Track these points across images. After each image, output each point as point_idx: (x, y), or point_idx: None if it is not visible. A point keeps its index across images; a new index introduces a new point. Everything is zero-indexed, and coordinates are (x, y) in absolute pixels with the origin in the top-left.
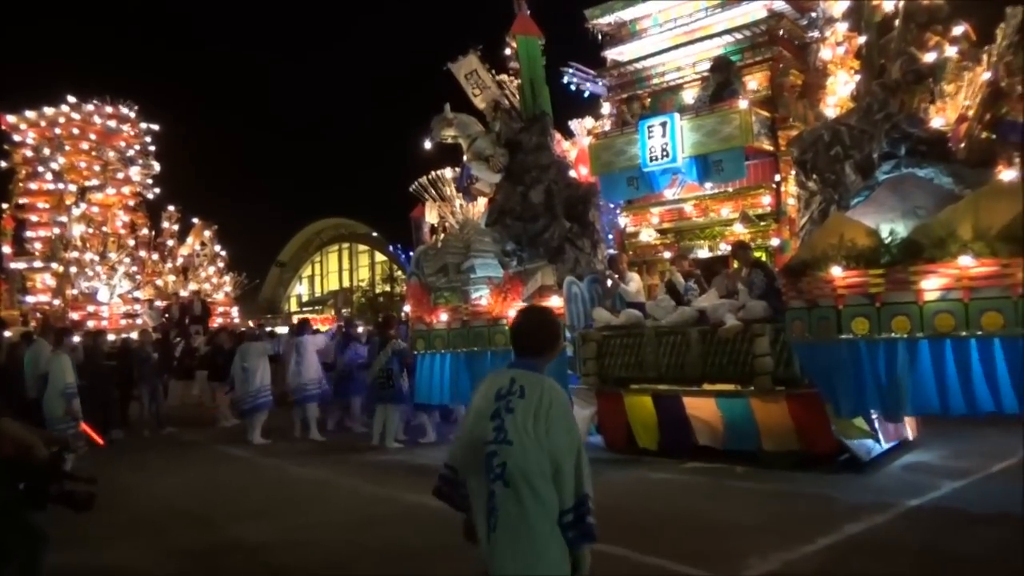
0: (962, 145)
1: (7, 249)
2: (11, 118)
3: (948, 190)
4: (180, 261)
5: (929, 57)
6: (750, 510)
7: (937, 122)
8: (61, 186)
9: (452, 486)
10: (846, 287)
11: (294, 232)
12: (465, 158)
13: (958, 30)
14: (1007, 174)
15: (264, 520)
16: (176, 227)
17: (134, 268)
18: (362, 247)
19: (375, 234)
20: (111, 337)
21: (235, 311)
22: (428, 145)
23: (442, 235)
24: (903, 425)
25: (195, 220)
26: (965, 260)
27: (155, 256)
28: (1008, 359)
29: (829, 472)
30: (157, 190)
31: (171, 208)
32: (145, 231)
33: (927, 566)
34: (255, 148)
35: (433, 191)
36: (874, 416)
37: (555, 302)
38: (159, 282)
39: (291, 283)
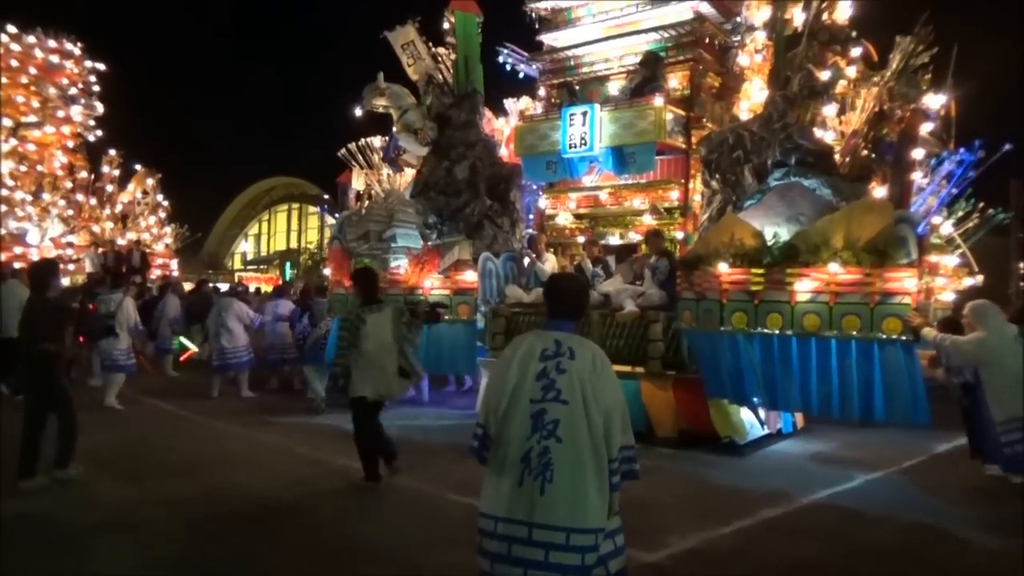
0: (847, 160)
1: None
2: None
3: (827, 201)
4: (119, 208)
5: (825, 75)
6: (666, 489)
7: (830, 136)
8: None
9: (484, 444)
10: (730, 283)
11: (242, 188)
12: (394, 129)
13: (856, 51)
14: (879, 191)
15: (191, 477)
16: (117, 172)
17: (70, 211)
18: (312, 209)
19: (327, 196)
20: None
21: (175, 264)
22: (359, 112)
23: (367, 202)
24: (788, 414)
25: (138, 167)
26: (834, 267)
27: (93, 201)
28: (860, 361)
29: (709, 453)
30: (99, 132)
31: (112, 152)
32: (84, 174)
33: (835, 551)
34: (206, 101)
35: (361, 158)
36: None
37: (470, 276)
38: (96, 228)
39: (236, 240)
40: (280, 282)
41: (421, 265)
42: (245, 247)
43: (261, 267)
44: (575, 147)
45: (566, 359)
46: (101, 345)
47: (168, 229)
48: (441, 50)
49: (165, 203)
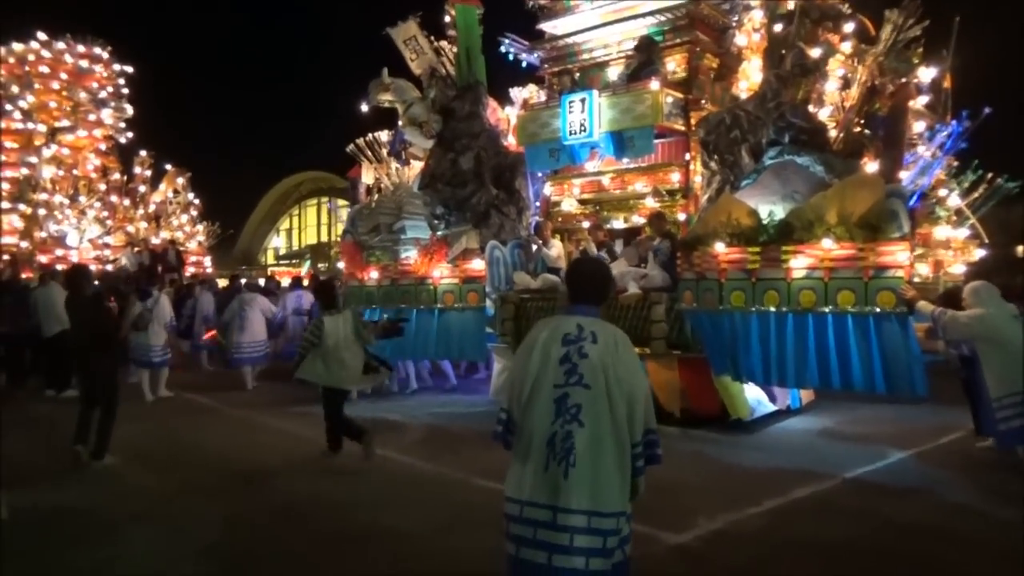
0: (841, 136)
1: None
2: None
3: (820, 177)
4: (152, 208)
5: (816, 52)
6: (684, 469)
7: (824, 113)
8: (30, 125)
9: (508, 429)
10: (728, 262)
11: (272, 184)
12: (400, 123)
13: (849, 27)
14: (871, 166)
15: (222, 467)
16: (149, 173)
17: (105, 213)
18: (342, 202)
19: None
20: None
21: (208, 261)
22: (365, 108)
23: (376, 196)
24: (795, 391)
25: (168, 166)
26: (827, 243)
27: (126, 202)
28: (857, 336)
29: (716, 432)
30: (130, 134)
31: (143, 153)
32: (117, 176)
33: (864, 529)
34: (233, 98)
35: (370, 152)
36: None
37: (477, 265)
38: (130, 228)
39: (268, 235)
40: (299, 275)
41: (430, 255)
42: (277, 242)
43: (293, 261)
44: (575, 134)
45: (588, 343)
46: (138, 341)
47: (200, 227)
48: (443, 43)
49: (196, 201)
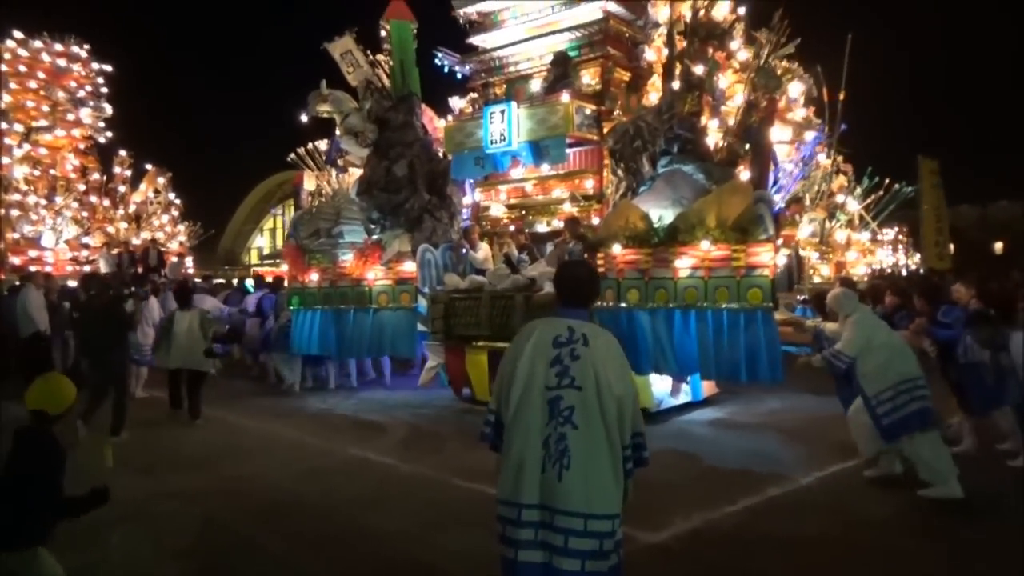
0: (724, 145)
1: None
2: None
3: (703, 184)
4: (132, 208)
5: (699, 69)
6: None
7: (714, 124)
8: (5, 125)
9: (496, 430)
10: (625, 263)
11: (254, 184)
12: (337, 132)
13: (735, 44)
14: (745, 174)
15: (204, 469)
16: (128, 173)
17: (83, 213)
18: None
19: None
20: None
21: (190, 261)
22: (305, 119)
23: (317, 202)
24: (698, 384)
25: (148, 166)
26: (705, 244)
27: (106, 202)
28: (731, 329)
29: None
30: (109, 134)
31: (123, 153)
32: (96, 176)
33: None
34: (215, 98)
35: (311, 160)
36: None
37: (409, 267)
38: (110, 229)
39: (252, 235)
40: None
41: (364, 258)
42: (260, 242)
43: (277, 261)
44: (496, 143)
45: (580, 346)
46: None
47: (181, 227)
48: (379, 57)
49: (177, 201)
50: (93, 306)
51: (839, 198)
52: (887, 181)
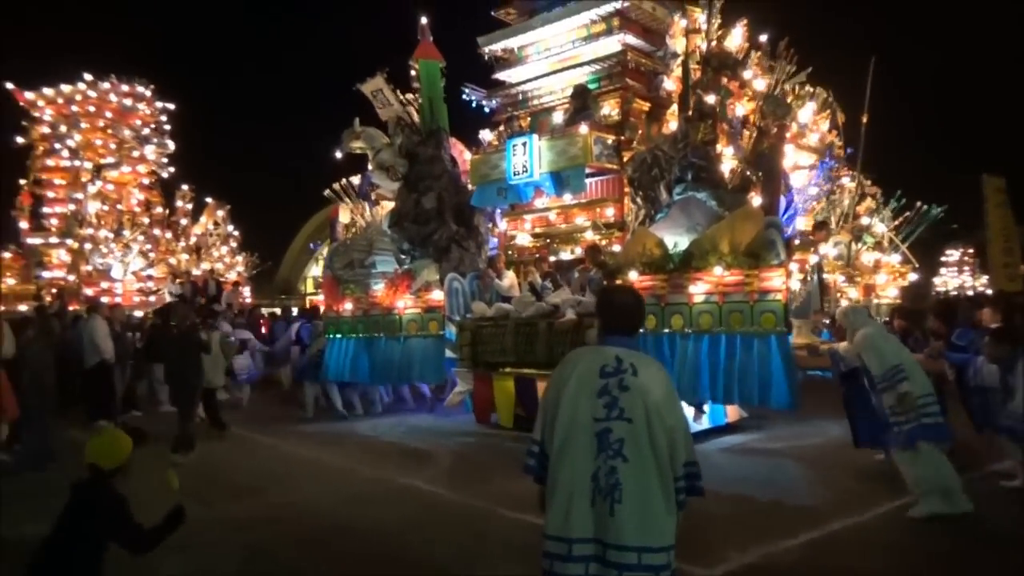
0: (736, 172)
1: (24, 225)
2: (29, 95)
3: (716, 211)
4: (193, 240)
5: (711, 99)
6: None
7: (730, 152)
8: (77, 163)
9: (540, 462)
10: (642, 289)
11: (311, 214)
12: (369, 167)
13: (748, 74)
14: (757, 200)
15: (252, 497)
16: (190, 206)
17: (148, 246)
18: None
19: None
20: (138, 313)
21: (247, 291)
22: (339, 155)
23: (351, 234)
24: (720, 409)
25: (208, 199)
26: (718, 270)
27: (168, 235)
28: (742, 354)
29: None
30: (172, 169)
31: (185, 187)
32: (159, 209)
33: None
34: (270, 132)
35: (345, 195)
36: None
37: (437, 296)
38: (172, 260)
39: (307, 264)
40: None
41: (394, 288)
42: (315, 271)
43: None
44: (518, 174)
45: (629, 375)
46: None
47: (240, 258)
48: (409, 95)
49: (235, 233)
50: (173, 335)
51: (864, 220)
52: (918, 203)
